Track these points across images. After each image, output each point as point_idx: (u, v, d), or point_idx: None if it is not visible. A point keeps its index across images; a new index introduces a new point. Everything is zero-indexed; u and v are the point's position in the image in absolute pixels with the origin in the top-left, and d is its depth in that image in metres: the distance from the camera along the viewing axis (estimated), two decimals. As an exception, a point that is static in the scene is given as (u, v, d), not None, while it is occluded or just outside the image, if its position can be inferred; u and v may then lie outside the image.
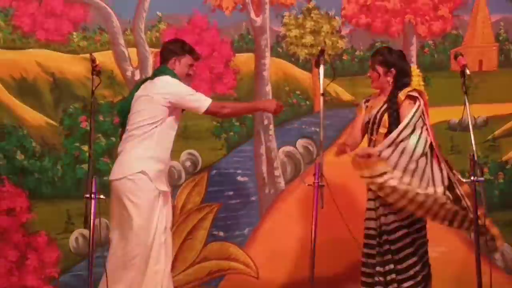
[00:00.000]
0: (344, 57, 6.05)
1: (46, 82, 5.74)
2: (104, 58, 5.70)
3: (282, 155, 6.00)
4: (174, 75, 4.71)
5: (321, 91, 4.75)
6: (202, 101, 4.64)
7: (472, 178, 4.45)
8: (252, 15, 5.94)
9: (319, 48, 5.05)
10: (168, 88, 4.62)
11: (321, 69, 4.74)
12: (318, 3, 6.03)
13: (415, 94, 4.71)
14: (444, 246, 5.81)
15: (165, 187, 4.66)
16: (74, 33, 5.78)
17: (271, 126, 5.97)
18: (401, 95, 4.70)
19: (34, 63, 5.73)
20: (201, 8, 5.91)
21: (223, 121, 5.92)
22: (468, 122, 4.43)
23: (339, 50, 6.05)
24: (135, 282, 4.55)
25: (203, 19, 5.90)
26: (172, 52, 4.78)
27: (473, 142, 4.43)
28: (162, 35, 5.85)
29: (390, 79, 4.78)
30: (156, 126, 4.59)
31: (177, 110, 4.69)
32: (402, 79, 4.78)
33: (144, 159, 4.55)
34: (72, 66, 5.76)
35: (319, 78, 4.75)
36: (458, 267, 5.79)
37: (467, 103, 4.52)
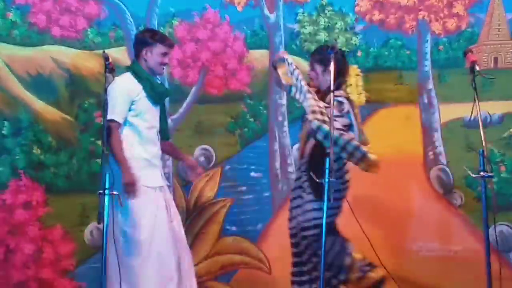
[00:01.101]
0: (358, 53, 6.03)
1: (61, 77, 5.78)
2: (118, 54, 5.76)
3: (296, 151, 6.00)
4: (139, 71, 4.70)
5: (332, 88, 4.73)
6: (110, 115, 4.44)
7: (481, 173, 4.45)
8: (266, 11, 5.95)
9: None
10: (108, 90, 4.50)
11: (332, 65, 4.73)
12: (331, 0, 6.02)
13: (341, 99, 4.68)
14: (459, 245, 5.81)
15: (155, 183, 4.66)
16: (89, 29, 5.81)
17: (286, 123, 5.98)
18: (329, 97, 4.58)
19: (50, 59, 5.77)
20: (213, 3, 5.92)
21: (237, 117, 5.95)
22: (478, 118, 4.44)
23: (353, 46, 6.03)
24: (135, 280, 4.56)
25: (215, 14, 5.90)
26: (142, 43, 4.77)
27: (483, 137, 4.42)
28: (175, 31, 5.87)
29: (328, 78, 4.62)
30: (121, 128, 4.62)
31: (138, 106, 4.66)
32: (337, 78, 4.65)
33: None
34: (87, 62, 5.80)
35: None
36: (473, 267, 5.74)
37: (477, 99, 4.53)
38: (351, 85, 4.75)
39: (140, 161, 4.63)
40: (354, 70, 4.84)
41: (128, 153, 4.60)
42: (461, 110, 5.90)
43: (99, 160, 5.65)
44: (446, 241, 5.79)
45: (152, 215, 4.60)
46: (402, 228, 5.87)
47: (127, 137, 4.64)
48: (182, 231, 4.84)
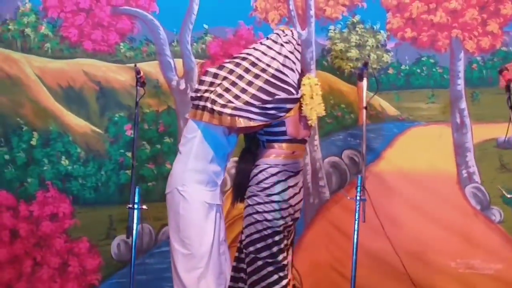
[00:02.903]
0: (390, 71, 5.99)
1: (92, 90, 5.78)
2: (150, 68, 5.77)
3: (327, 165, 5.95)
4: None
5: (364, 104, 4.72)
6: None
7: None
8: (298, 28, 5.94)
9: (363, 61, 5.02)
10: None
11: (364, 82, 4.72)
12: (363, 17, 6.00)
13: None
14: (500, 263, 5.67)
15: (215, 200, 4.57)
16: (121, 43, 5.83)
17: (316, 137, 5.92)
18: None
19: (81, 72, 5.77)
20: (247, 20, 5.94)
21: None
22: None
23: (384, 64, 6.00)
24: None
25: (249, 31, 5.92)
26: None
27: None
28: (208, 47, 5.88)
29: None
30: (194, 137, 4.54)
31: None
32: None
33: (185, 172, 4.51)
34: (119, 76, 5.80)
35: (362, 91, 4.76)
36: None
37: (512, 119, 4.47)
38: (304, 95, 4.58)
39: (206, 176, 4.54)
40: (311, 79, 4.61)
41: (193, 165, 4.52)
42: (494, 130, 5.83)
43: (128, 172, 5.68)
44: (486, 258, 5.66)
45: (211, 231, 4.52)
46: (440, 245, 5.74)
47: (197, 150, 4.53)
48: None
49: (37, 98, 5.70)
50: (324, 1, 5.98)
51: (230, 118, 4.30)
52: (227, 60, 4.62)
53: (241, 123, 4.30)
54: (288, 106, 4.42)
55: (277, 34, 4.66)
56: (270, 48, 4.58)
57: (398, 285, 5.50)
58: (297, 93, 4.48)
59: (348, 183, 5.91)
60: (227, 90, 4.39)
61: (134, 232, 4.41)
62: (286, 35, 4.65)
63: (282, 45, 4.59)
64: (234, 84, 4.42)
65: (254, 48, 4.63)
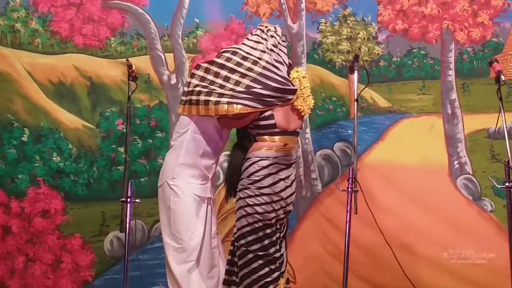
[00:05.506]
0: (381, 63, 6.00)
1: (83, 86, 5.76)
2: (141, 62, 5.75)
3: (319, 158, 5.96)
4: None
5: (355, 97, 4.71)
6: None
7: (507, 184, 4.39)
8: (289, 21, 5.94)
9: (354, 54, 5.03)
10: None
11: (355, 74, 4.72)
12: (354, 10, 6.00)
13: None
14: (493, 252, 5.67)
15: (205, 194, 4.55)
16: (112, 38, 5.81)
17: (308, 130, 5.93)
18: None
19: (72, 67, 5.76)
20: (238, 15, 5.93)
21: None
22: (504, 128, 4.38)
23: (375, 56, 6.00)
24: None
25: (240, 25, 5.92)
26: None
27: (508, 148, 4.36)
28: (200, 41, 5.88)
29: None
30: (186, 131, 4.52)
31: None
32: None
33: (176, 166, 4.49)
34: (109, 70, 5.79)
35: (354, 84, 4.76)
36: (508, 274, 5.64)
37: (502, 110, 4.46)
38: None
39: (197, 170, 4.53)
40: (299, 72, 4.62)
41: (184, 160, 4.50)
42: (485, 121, 5.84)
43: (120, 168, 5.68)
44: (478, 248, 5.68)
45: (201, 225, 4.50)
46: (433, 236, 5.75)
47: (188, 145, 4.51)
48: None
49: (28, 94, 5.69)
50: (315, -6, 6.00)
51: (227, 106, 4.29)
52: (217, 55, 4.62)
53: (238, 109, 4.30)
54: (289, 96, 4.46)
55: (261, 29, 4.68)
56: (258, 42, 4.59)
57: (390, 277, 5.52)
58: (293, 85, 4.50)
59: (340, 175, 5.93)
60: (221, 86, 4.41)
61: (127, 226, 4.41)
62: (269, 29, 4.66)
63: (266, 39, 4.60)
64: (227, 78, 4.42)
65: (242, 43, 4.66)
